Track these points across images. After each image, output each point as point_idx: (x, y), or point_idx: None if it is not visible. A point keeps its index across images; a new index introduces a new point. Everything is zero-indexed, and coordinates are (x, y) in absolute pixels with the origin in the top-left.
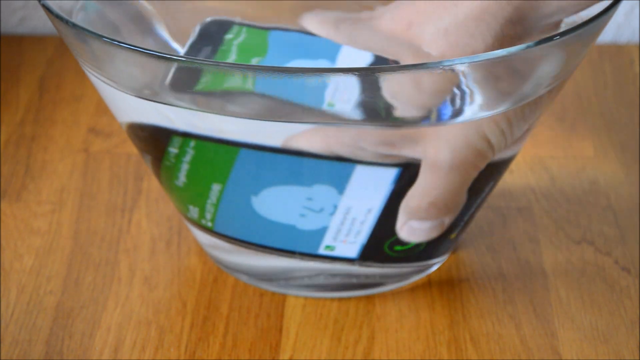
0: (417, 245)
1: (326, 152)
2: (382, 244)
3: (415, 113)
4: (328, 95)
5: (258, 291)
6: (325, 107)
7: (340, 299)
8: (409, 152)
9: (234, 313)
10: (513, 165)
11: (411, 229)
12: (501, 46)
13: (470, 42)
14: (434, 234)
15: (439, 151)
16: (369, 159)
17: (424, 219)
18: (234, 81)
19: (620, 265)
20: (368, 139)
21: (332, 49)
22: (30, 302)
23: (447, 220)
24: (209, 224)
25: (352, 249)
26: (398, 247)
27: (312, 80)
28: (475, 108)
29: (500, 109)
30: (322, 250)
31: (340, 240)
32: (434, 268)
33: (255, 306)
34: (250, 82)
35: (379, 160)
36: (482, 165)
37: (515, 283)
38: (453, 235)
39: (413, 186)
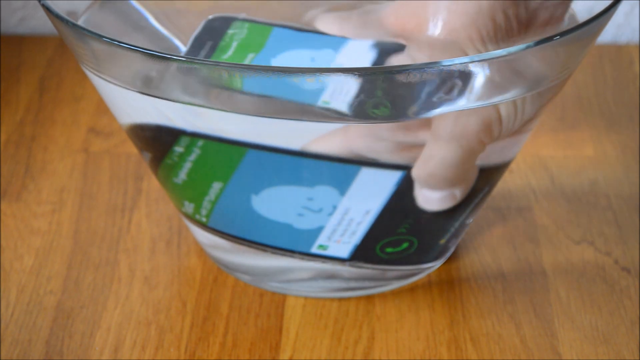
0: (408, 248)
1: (346, 151)
2: (374, 245)
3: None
4: (325, 95)
5: (258, 291)
6: (320, 103)
7: (340, 299)
8: (425, 135)
9: (234, 313)
10: (513, 165)
11: (424, 197)
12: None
13: None
14: (446, 205)
15: (443, 120)
16: (388, 151)
17: (432, 188)
18: (221, 80)
19: (620, 265)
20: (385, 126)
21: (333, 46)
22: (30, 302)
23: (458, 193)
24: (203, 219)
25: (344, 249)
26: (389, 249)
27: (304, 82)
28: (469, 104)
29: (499, 106)
30: (314, 249)
31: (335, 240)
32: (425, 274)
33: (255, 306)
34: (238, 81)
35: (395, 152)
36: (487, 141)
37: (515, 283)
38: (442, 241)
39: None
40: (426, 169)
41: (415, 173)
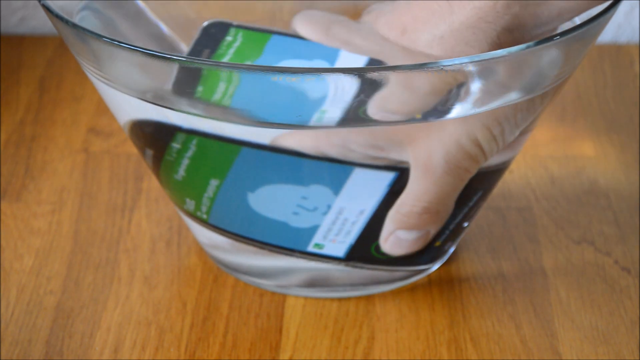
0: None
1: (315, 152)
2: (369, 245)
3: (403, 117)
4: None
5: (258, 291)
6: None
7: (340, 299)
8: (396, 156)
9: (234, 313)
10: (513, 165)
11: (397, 239)
12: None
13: (466, 49)
14: (418, 246)
15: (433, 155)
16: (360, 160)
17: (413, 227)
18: (215, 95)
19: (620, 265)
20: (356, 141)
21: (330, 55)
22: (30, 302)
23: (433, 231)
24: (204, 216)
25: (340, 249)
26: (383, 250)
27: (303, 83)
28: (470, 106)
29: (498, 106)
30: (310, 248)
31: (330, 239)
32: (422, 275)
33: (255, 306)
34: (227, 97)
35: (370, 162)
36: (474, 170)
37: (515, 283)
38: (438, 243)
39: (404, 192)
40: (420, 204)
41: (403, 210)
